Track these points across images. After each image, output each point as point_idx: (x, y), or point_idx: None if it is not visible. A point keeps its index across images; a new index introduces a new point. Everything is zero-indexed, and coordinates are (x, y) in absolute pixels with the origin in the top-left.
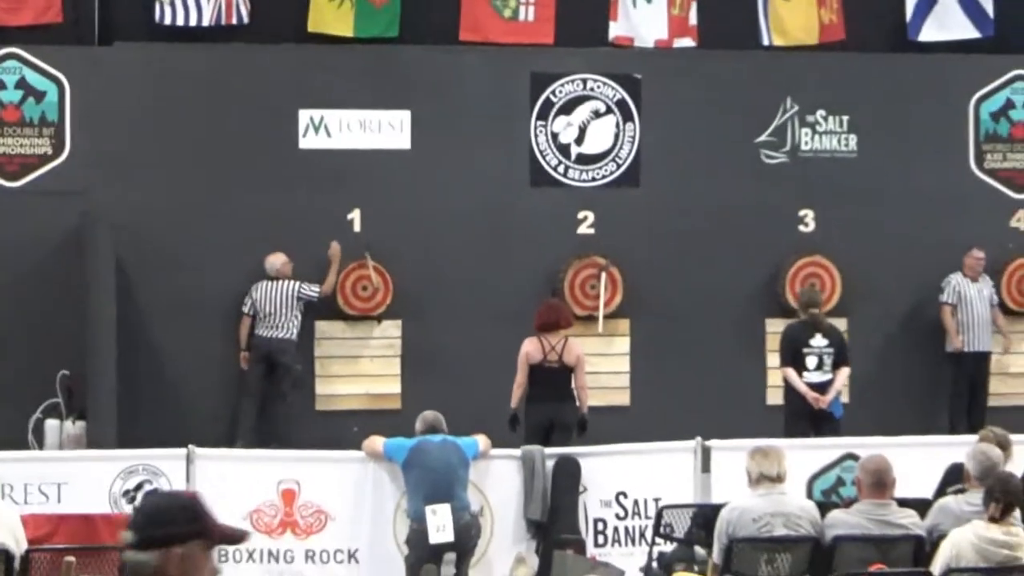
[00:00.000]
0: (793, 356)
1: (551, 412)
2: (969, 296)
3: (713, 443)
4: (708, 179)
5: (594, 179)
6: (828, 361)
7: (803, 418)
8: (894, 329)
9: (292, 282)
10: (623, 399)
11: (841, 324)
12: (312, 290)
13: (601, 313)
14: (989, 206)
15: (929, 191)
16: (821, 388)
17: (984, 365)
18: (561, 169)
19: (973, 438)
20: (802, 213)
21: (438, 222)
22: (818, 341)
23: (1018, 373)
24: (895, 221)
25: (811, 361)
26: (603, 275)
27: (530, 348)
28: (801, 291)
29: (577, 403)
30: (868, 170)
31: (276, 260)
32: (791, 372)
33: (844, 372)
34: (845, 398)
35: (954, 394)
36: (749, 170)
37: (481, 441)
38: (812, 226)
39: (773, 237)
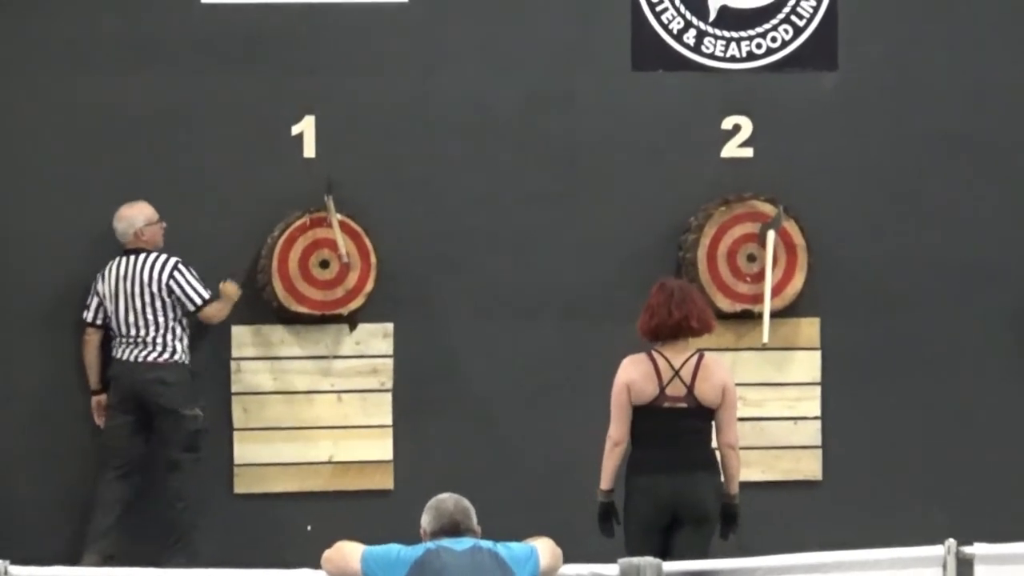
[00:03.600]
0: None
1: (675, 492)
2: None
3: (978, 549)
4: (976, 51)
5: (752, 56)
6: None
7: None
8: None
9: (162, 259)
10: (810, 467)
11: None
12: (193, 287)
13: (767, 308)
14: None
15: None
16: None
17: None
18: (691, 38)
19: None
20: None
21: (460, 140)
22: None
23: None
24: None
25: None
26: (770, 235)
27: (634, 374)
28: None
29: (721, 477)
30: None
31: (136, 215)
32: None
33: None
34: None
35: None
36: None
37: (544, 549)
38: None
39: None
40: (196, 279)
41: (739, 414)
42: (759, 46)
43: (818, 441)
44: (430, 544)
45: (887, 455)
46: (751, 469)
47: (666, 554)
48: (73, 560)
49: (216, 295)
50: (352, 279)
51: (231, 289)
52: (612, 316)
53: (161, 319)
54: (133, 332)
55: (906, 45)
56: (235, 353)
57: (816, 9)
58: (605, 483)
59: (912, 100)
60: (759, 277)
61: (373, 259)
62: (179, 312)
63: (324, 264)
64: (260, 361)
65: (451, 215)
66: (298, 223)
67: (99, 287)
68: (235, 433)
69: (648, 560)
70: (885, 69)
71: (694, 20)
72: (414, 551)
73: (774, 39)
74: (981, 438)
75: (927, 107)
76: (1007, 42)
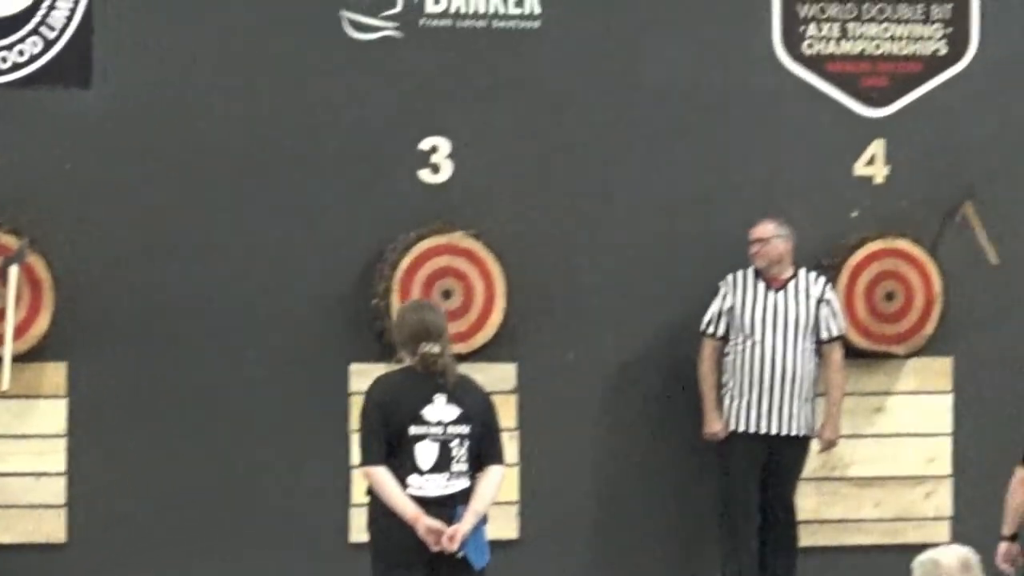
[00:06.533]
0: (390, 441)
1: None
2: (759, 317)
3: None
4: (241, 77)
5: None
6: (460, 451)
7: (410, 568)
8: (608, 384)
9: None
10: (53, 528)
11: (500, 374)
12: None
13: (8, 351)
14: (812, 133)
15: (689, 98)
16: (444, 506)
17: (790, 460)
18: None
19: None
20: (427, 144)
21: None
22: (438, 411)
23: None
24: (619, 162)
25: (425, 453)
26: (13, 270)
27: None
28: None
29: None
30: (562, 56)
31: None
32: (382, 475)
33: (494, 475)
34: (497, 533)
35: (731, 533)
36: (326, 56)
37: None
38: (446, 171)
39: (372, 191)
40: None
41: None
42: (4, 60)
43: (62, 500)
44: None
45: (143, 513)
46: None
47: None
48: None
49: None
50: None
51: None
52: None
53: None
54: None
55: (168, 59)
56: None
57: (68, 22)
58: None
59: (181, 119)
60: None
61: None
62: None
63: None
64: None
65: None
66: None
67: None
68: None
69: None
70: (150, 87)
71: None
72: None
73: (22, 52)
74: (262, 494)
75: (196, 127)
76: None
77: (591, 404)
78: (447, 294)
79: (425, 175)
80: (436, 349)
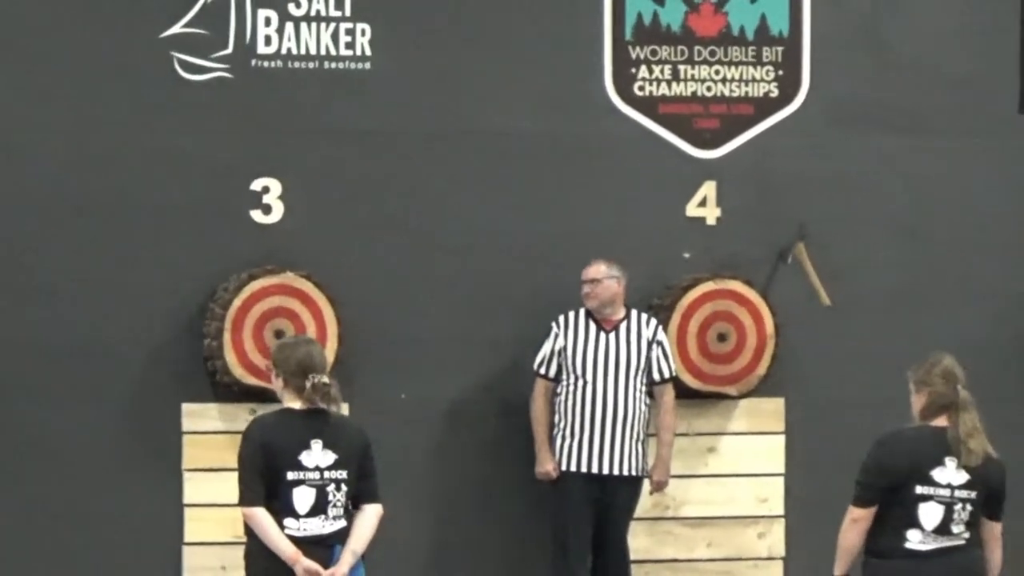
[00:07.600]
0: (270, 483)
1: None
2: (590, 357)
3: None
4: (72, 117)
5: None
6: (338, 496)
7: None
8: (441, 424)
9: None
10: None
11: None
12: None
13: None
14: (644, 174)
15: (521, 140)
16: (322, 546)
17: (622, 500)
18: None
19: None
20: (258, 184)
21: None
22: (315, 457)
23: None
24: (452, 204)
25: (302, 498)
26: None
27: None
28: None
29: None
30: (394, 98)
31: None
32: (261, 515)
33: (370, 514)
34: None
35: (563, 572)
36: (157, 96)
37: None
38: (278, 212)
39: (204, 231)
40: None
41: None
42: None
43: None
44: None
45: None
46: None
47: None
48: None
49: None
50: None
51: None
52: None
53: None
54: None
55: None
56: None
57: None
58: None
59: (12, 160)
60: None
61: None
62: None
63: None
64: None
65: None
66: None
67: None
68: None
69: None
70: None
71: None
72: None
73: None
74: (95, 533)
75: (26, 167)
76: None
77: (424, 444)
78: (279, 334)
79: (257, 215)
80: (326, 380)
